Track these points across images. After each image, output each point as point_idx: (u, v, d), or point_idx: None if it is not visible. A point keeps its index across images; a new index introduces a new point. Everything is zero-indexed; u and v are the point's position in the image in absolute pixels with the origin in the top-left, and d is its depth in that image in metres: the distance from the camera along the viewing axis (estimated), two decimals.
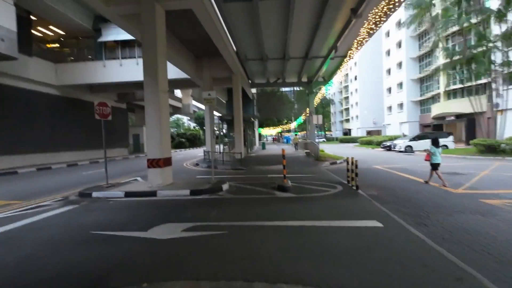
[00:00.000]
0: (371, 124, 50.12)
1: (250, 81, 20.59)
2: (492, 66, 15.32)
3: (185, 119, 73.12)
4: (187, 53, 15.03)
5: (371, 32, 8.48)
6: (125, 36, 16.30)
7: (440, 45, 25.71)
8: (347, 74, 59.89)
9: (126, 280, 2.81)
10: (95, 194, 6.99)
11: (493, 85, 15.31)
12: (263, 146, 29.53)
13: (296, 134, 40.29)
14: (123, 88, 19.84)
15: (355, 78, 54.52)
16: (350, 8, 8.52)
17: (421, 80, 33.26)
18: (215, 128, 21.05)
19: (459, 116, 25.39)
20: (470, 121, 24.05)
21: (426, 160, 8.03)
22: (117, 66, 17.16)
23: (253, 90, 26.52)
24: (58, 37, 18.77)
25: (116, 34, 16.73)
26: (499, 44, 14.75)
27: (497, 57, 15.41)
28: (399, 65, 36.00)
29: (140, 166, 15.20)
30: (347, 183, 7.76)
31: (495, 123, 15.75)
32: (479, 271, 2.80)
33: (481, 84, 19.65)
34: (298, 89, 34.68)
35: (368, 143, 30.85)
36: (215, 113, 30.48)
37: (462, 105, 24.57)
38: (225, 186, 7.41)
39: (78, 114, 19.29)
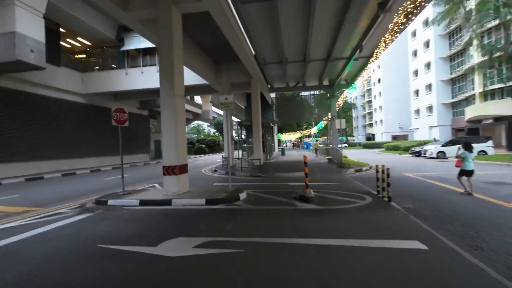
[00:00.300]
0: (396, 128, 47.68)
1: (269, 86, 20.21)
2: None
3: (205, 125, 74.26)
4: (205, 58, 14.97)
5: (401, 27, 7.74)
6: (146, 44, 16.64)
7: (475, 42, 23.84)
8: (370, 78, 57.81)
9: None
10: (110, 202, 6.82)
11: None
12: (283, 152, 28.88)
13: (316, 140, 39.18)
14: (145, 95, 20.28)
15: (379, 81, 52.40)
16: (378, 2, 7.86)
17: (453, 81, 31.05)
18: (234, 134, 20.84)
19: (498, 119, 23.21)
20: (511, 124, 21.88)
21: (457, 166, 7.23)
22: (138, 74, 17.55)
23: (272, 95, 26.10)
24: (84, 47, 19.66)
25: (138, 42, 17.16)
26: None
27: None
28: (427, 65, 33.96)
29: (159, 173, 15.17)
30: (377, 194, 7.00)
31: None
32: None
33: None
34: (318, 93, 33.72)
35: (395, 149, 29.14)
36: (234, 118, 30.40)
37: (502, 107, 22.46)
38: (242, 195, 6.96)
39: (102, 121, 19.93)
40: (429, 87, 33.83)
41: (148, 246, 3.94)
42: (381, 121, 51.74)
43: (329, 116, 19.71)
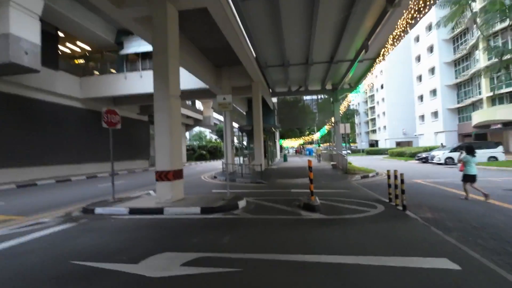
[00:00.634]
0: (400, 134, 46.94)
1: (270, 90, 19.78)
2: None
3: (207, 132, 74.01)
4: (206, 62, 14.61)
5: (412, 22, 7.26)
6: (146, 48, 16.36)
7: (481, 45, 23.39)
8: (372, 84, 57.42)
9: None
10: (98, 211, 6.27)
11: None
12: (285, 158, 28.28)
13: (318, 146, 38.59)
14: (144, 99, 19.93)
15: (382, 87, 51.96)
16: None
17: (458, 86, 30.48)
18: (234, 139, 20.35)
19: (506, 124, 22.52)
20: None
21: (461, 170, 6.91)
22: (137, 78, 17.22)
23: (274, 100, 25.69)
24: (83, 52, 19.46)
25: (137, 46, 16.89)
26: None
27: None
28: (432, 70, 33.49)
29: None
30: (389, 202, 6.40)
31: None
32: None
33: None
34: (321, 97, 33.30)
35: (400, 155, 28.41)
36: (235, 124, 29.97)
37: (511, 112, 21.81)
38: (241, 203, 6.38)
39: (101, 127, 19.48)
40: (433, 92, 33.28)
41: (129, 263, 3.38)
42: (384, 127, 51.08)
43: (333, 121, 19.17)
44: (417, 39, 37.13)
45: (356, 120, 72.22)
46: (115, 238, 4.48)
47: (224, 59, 14.61)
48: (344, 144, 20.00)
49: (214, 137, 71.32)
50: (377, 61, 11.36)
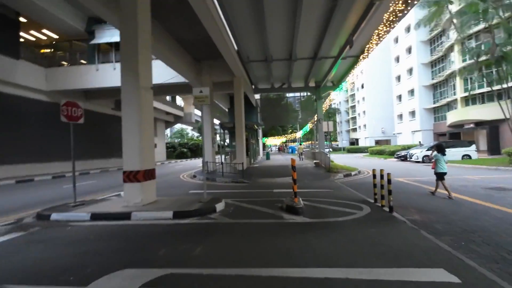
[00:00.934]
0: (379, 133, 48.22)
1: (253, 87, 19.29)
2: None
3: (189, 129, 72.35)
4: (185, 55, 13.83)
5: (399, 14, 7.04)
6: (119, 37, 15.21)
7: (456, 48, 24.25)
8: (353, 83, 58.57)
9: None
10: (54, 216, 5.49)
11: None
12: (267, 156, 27.95)
13: (300, 144, 38.70)
14: (119, 94, 18.68)
15: (362, 87, 53.09)
16: None
17: (434, 87, 31.60)
18: (217, 137, 19.70)
19: (479, 123, 23.55)
20: (493, 129, 22.19)
21: (432, 168, 7.19)
22: (111, 70, 16.04)
23: (257, 97, 25.21)
24: (50, 40, 17.88)
25: (110, 36, 15.70)
26: None
27: None
28: (410, 71, 34.49)
29: None
30: (374, 202, 6.14)
31: None
32: None
33: (502, 89, 17.97)
34: (304, 95, 33.28)
35: (379, 153, 29.03)
36: (216, 121, 29.23)
37: (483, 112, 22.81)
38: (219, 206, 5.85)
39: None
40: (411, 92, 34.33)
41: (76, 286, 2.77)
42: (364, 126, 52.27)
43: (316, 119, 19.04)
44: (396, 40, 38.10)
45: (338, 119, 73.54)
46: (67, 251, 3.81)
47: (205, 52, 13.92)
48: (326, 143, 19.99)
49: (196, 134, 69.86)
50: (361, 57, 11.20)
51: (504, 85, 14.73)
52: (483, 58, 15.00)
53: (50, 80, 16.02)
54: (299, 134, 43.71)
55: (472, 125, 24.36)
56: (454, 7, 16.57)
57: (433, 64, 31.54)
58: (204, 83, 15.16)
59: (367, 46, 9.74)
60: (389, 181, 5.35)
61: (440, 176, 6.98)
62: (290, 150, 47.95)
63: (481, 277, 2.72)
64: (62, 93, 16.84)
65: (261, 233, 4.28)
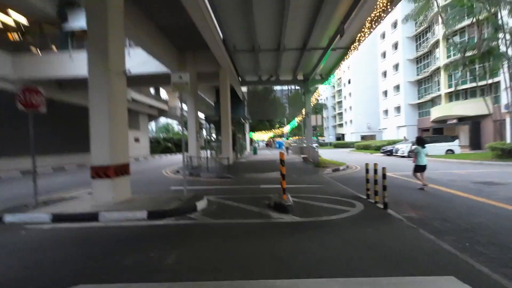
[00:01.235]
0: (365, 128, 48.81)
1: (240, 79, 18.64)
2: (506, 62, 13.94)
3: (175, 124, 70.72)
4: (167, 43, 13.01)
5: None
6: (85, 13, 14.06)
7: (441, 44, 24.53)
8: (340, 78, 58.88)
9: None
10: (8, 218, 4.77)
11: (507, 84, 13.81)
12: (255, 151, 27.51)
13: (287, 139, 38.52)
14: None
15: (349, 82, 53.41)
16: None
17: (419, 83, 32.07)
18: (203, 132, 19.00)
19: (461, 119, 24.06)
20: (475, 124, 22.71)
21: (413, 162, 7.21)
22: (86, 58, 14.86)
23: (244, 89, 24.55)
24: (17, 23, 16.36)
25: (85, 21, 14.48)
26: None
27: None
28: (396, 67, 34.83)
29: None
30: (367, 198, 5.79)
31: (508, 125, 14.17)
32: None
33: (485, 85, 18.33)
34: (292, 88, 32.97)
35: (366, 148, 29.24)
36: (201, 115, 28.38)
37: (466, 108, 23.28)
38: (201, 204, 5.32)
39: (43, 115, 16.90)
40: (397, 88, 34.72)
41: None
42: (351, 121, 52.77)
43: (304, 113, 18.70)
44: (383, 36, 38.33)
45: (324, 114, 74.01)
46: (15, 262, 3.18)
47: (189, 41, 13.14)
48: (313, 138, 19.75)
49: (180, 128, 68.23)
50: (352, 47, 10.83)
51: (489, 81, 14.93)
52: (469, 53, 15.10)
53: (18, 67, 14.67)
54: (286, 129, 43.51)
55: (455, 121, 24.87)
56: (441, 1, 16.55)
57: (418, 60, 31.94)
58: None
59: (359, 35, 9.36)
60: (383, 176, 5.01)
61: (421, 169, 7.00)
62: (277, 145, 47.76)
63: (497, 286, 2.37)
64: (32, 82, 15.44)
65: (245, 235, 3.79)
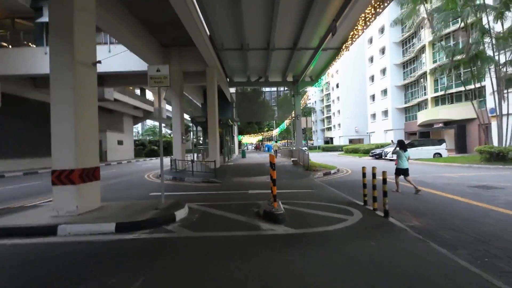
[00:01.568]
0: (353, 132, 49.23)
1: (228, 80, 18.09)
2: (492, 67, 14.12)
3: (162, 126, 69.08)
4: (150, 39, 12.30)
5: None
6: None
7: (428, 49, 24.92)
8: (328, 82, 59.38)
9: None
10: None
11: (495, 88, 13.94)
12: (243, 154, 26.92)
13: (276, 142, 38.13)
14: None
15: (337, 86, 53.89)
16: None
17: (406, 87, 32.55)
18: (186, 132, 18.25)
19: (447, 123, 24.43)
20: (460, 128, 23.07)
21: (395, 165, 7.11)
22: None
23: (232, 90, 23.96)
24: None
25: None
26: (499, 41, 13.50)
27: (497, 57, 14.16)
28: (383, 71, 35.28)
29: None
30: (364, 205, 5.33)
31: (500, 129, 14.26)
32: None
33: (470, 90, 18.63)
34: (281, 89, 32.61)
35: (354, 151, 29.26)
36: (187, 116, 27.59)
37: (452, 112, 23.65)
38: (180, 213, 4.69)
39: (14, 116, 15.78)
40: (384, 92, 35.13)
41: None
42: (339, 125, 53.13)
43: (293, 116, 18.32)
44: (370, 41, 38.86)
45: (313, 118, 74.44)
46: None
47: (173, 37, 12.47)
48: (303, 141, 19.47)
49: (169, 131, 66.75)
50: (344, 46, 10.50)
51: (477, 85, 15.05)
52: (458, 57, 15.19)
53: None
54: (275, 132, 43.17)
55: (441, 125, 25.22)
56: (429, 6, 16.68)
57: (405, 65, 32.46)
58: (173, 73, 13.69)
59: (352, 33, 9.03)
60: (384, 181, 4.56)
61: (402, 172, 6.89)
62: (266, 149, 47.36)
63: None
64: (4, 79, 14.35)
65: (230, 253, 3.19)
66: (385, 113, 35.11)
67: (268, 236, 3.74)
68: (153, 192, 7.95)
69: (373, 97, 38.75)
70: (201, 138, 20.92)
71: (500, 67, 13.68)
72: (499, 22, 13.53)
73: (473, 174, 10.36)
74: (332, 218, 4.46)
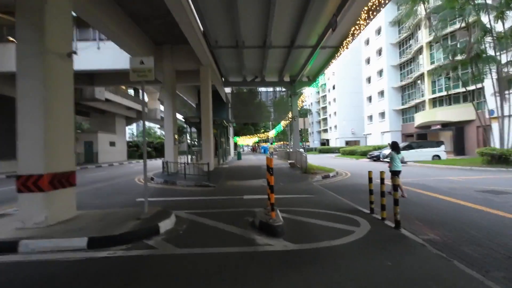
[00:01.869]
0: (350, 134, 49.01)
1: (223, 79, 17.56)
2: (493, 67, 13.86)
3: (157, 128, 68.32)
4: (141, 35, 11.73)
5: None
6: None
7: (425, 51, 24.74)
8: (324, 84, 59.22)
9: None
10: None
11: (496, 89, 13.67)
12: (239, 156, 26.38)
13: (273, 144, 37.79)
14: None
15: (333, 88, 53.70)
16: None
17: (403, 88, 32.37)
18: (183, 133, 17.66)
19: (445, 125, 24.21)
20: (458, 130, 22.86)
21: (389, 167, 6.86)
22: None
23: (228, 90, 23.43)
24: None
25: None
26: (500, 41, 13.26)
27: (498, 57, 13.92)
28: (380, 73, 35.08)
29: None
30: (370, 213, 4.85)
31: (502, 131, 13.98)
32: None
33: (469, 91, 18.41)
34: (278, 90, 32.21)
35: (351, 153, 28.92)
36: (180, 116, 26.95)
37: (449, 113, 23.44)
38: (165, 224, 4.14)
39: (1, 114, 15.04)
40: (381, 93, 34.91)
41: None
42: (335, 126, 52.88)
43: (290, 117, 17.86)
44: (367, 42, 38.71)
45: (309, 120, 74.22)
46: None
47: (165, 34, 11.96)
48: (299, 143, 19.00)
49: (163, 132, 65.94)
50: (344, 44, 10.07)
51: (474, 87, 14.79)
52: (458, 57, 14.92)
53: None
54: (271, 134, 42.72)
55: (438, 126, 25.00)
56: (428, 5, 16.43)
57: (402, 66, 32.29)
58: (165, 71, 13.15)
59: (353, 28, 8.59)
60: (394, 188, 4.08)
61: (396, 174, 6.38)
62: (262, 150, 46.87)
63: None
64: None
65: (219, 279, 2.65)
66: (382, 114, 34.88)
67: (264, 253, 3.22)
68: (140, 198, 7.37)
69: (369, 98, 38.54)
70: (196, 140, 20.38)
71: (502, 67, 13.43)
72: (499, 22, 13.30)
73: (477, 177, 9.98)
74: (337, 230, 3.95)
